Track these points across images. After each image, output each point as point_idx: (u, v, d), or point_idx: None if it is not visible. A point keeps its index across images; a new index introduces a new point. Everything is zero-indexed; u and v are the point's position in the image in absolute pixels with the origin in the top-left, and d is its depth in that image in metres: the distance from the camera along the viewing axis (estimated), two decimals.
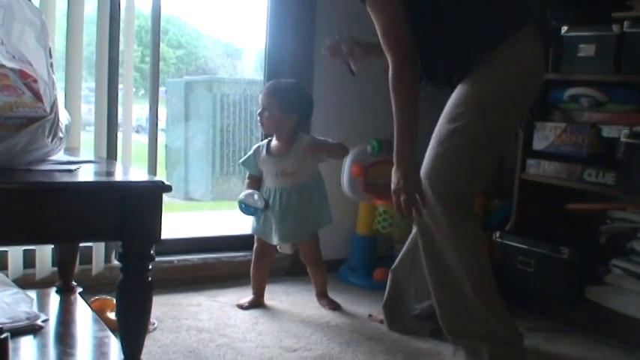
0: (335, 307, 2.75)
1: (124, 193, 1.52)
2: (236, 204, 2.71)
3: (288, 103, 2.64)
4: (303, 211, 2.66)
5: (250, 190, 2.69)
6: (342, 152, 2.76)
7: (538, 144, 2.83)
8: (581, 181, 2.67)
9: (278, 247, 2.73)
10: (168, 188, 1.55)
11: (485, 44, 2.13)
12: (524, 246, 2.79)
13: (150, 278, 1.57)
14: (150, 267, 1.56)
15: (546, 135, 2.80)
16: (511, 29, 2.13)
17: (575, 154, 2.71)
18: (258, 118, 2.68)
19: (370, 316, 2.65)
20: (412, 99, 2.13)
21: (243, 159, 2.78)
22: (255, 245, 2.76)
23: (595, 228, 2.82)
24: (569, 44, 2.77)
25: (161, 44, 2.96)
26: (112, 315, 2.27)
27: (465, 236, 2.17)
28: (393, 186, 2.18)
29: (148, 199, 1.53)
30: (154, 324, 2.41)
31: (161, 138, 5.37)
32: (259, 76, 3.35)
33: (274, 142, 2.71)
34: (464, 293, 2.15)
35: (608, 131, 2.65)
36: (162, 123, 5.70)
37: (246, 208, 2.66)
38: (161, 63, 2.95)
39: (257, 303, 2.75)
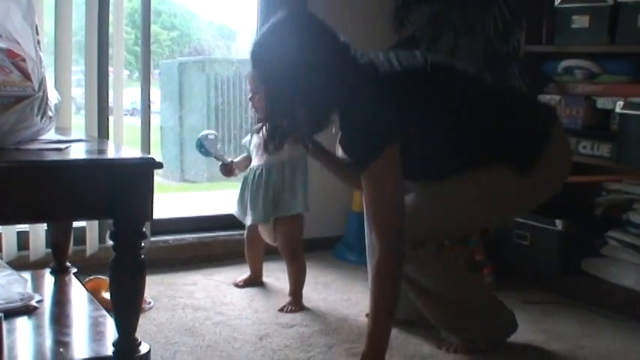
0: (290, 310, 2.47)
1: (114, 170, 1.51)
2: (231, 184, 2.67)
3: None
4: (270, 191, 2.54)
5: (213, 132, 2.64)
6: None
7: None
8: (577, 153, 2.66)
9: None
10: (158, 165, 1.54)
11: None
12: (519, 219, 2.78)
13: (143, 256, 1.57)
14: (142, 244, 1.56)
15: None
16: (539, 143, 2.00)
17: (569, 126, 2.70)
18: (250, 103, 2.58)
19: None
20: (396, 290, 1.91)
21: (244, 139, 2.74)
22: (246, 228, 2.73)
23: (591, 200, 2.82)
24: (563, 15, 2.76)
25: (154, 26, 2.95)
26: (106, 295, 2.26)
27: (436, 268, 2.07)
28: None
29: (138, 176, 1.52)
30: (149, 303, 2.41)
31: (156, 120, 5.34)
32: None
33: None
34: (454, 308, 2.11)
35: (602, 103, 2.64)
36: (156, 105, 5.67)
37: (200, 146, 2.58)
38: (155, 45, 2.94)
39: (254, 282, 2.74)
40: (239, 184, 2.68)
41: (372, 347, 1.92)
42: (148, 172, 1.53)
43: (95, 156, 1.66)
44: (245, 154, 2.71)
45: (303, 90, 1.91)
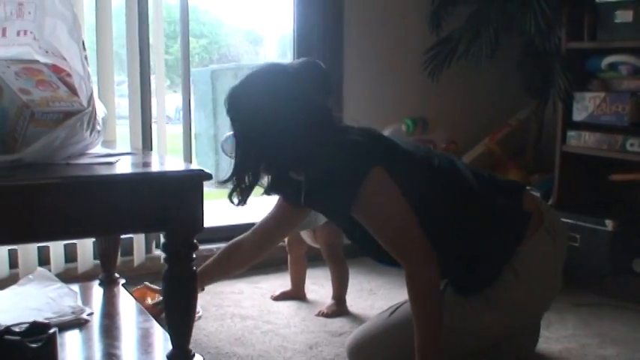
0: (327, 314, 2.46)
1: (164, 183, 1.51)
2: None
3: None
4: None
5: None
6: None
7: (578, 115, 2.77)
8: (624, 150, 2.61)
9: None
10: (208, 176, 1.55)
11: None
12: (568, 220, 2.72)
13: (195, 267, 1.57)
14: (194, 256, 1.56)
15: (585, 105, 2.74)
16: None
17: (616, 123, 2.64)
18: None
19: None
20: (439, 307, 1.72)
21: None
22: None
23: None
24: (605, 11, 2.70)
25: None
26: (150, 302, 2.28)
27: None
28: None
29: (188, 188, 1.52)
30: (198, 312, 2.41)
31: None
32: (283, 60, 3.32)
33: None
34: None
35: None
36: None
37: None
38: None
39: (294, 296, 2.65)
40: None
41: None
42: (198, 183, 1.54)
43: (146, 169, 1.66)
44: None
45: (272, 144, 1.77)
